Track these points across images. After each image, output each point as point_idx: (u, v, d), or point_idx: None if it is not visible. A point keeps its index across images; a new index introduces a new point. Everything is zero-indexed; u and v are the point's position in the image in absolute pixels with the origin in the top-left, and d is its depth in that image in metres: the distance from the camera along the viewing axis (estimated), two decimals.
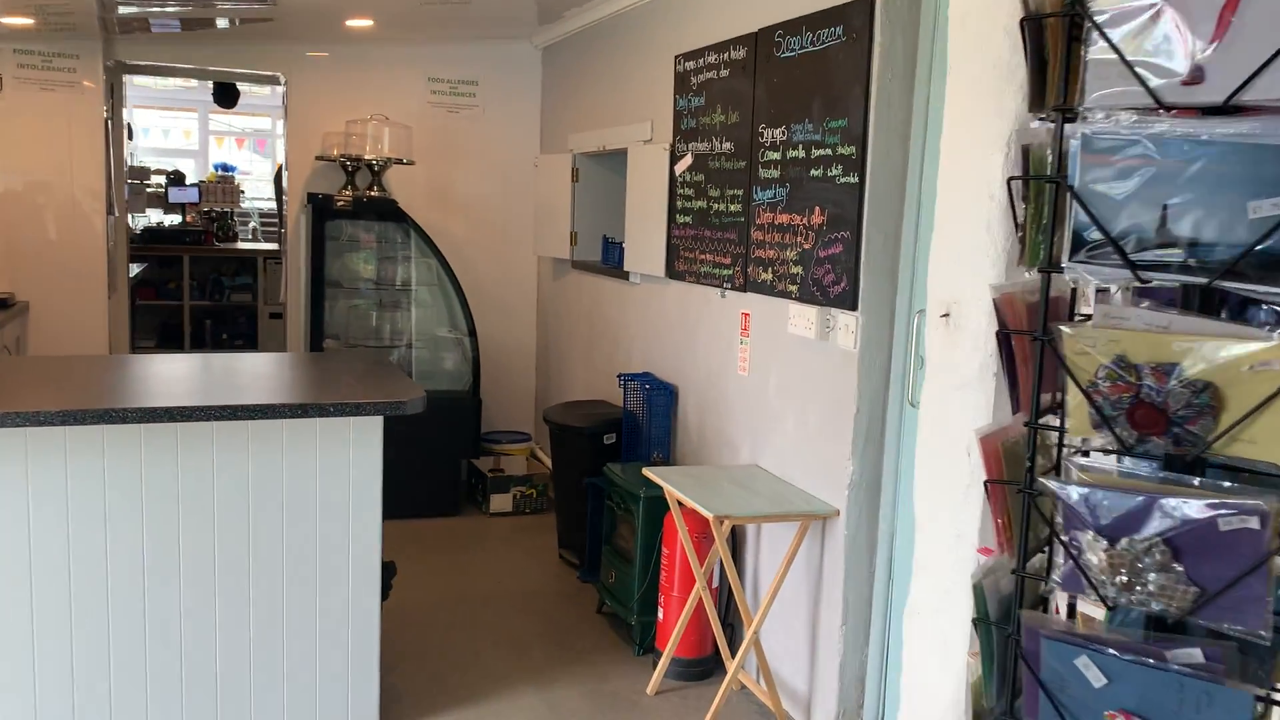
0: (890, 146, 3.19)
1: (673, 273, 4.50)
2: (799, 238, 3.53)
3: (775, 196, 3.68)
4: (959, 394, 1.89)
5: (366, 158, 5.61)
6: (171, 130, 12.92)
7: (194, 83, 11.89)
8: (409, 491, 5.56)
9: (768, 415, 3.78)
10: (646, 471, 3.70)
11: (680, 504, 3.52)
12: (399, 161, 5.69)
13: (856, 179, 3.22)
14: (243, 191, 11.30)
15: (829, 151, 3.36)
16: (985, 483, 1.62)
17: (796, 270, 3.54)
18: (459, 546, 5.27)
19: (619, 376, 4.76)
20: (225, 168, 11.61)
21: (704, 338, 4.29)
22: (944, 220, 1.89)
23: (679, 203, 4.42)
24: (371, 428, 3.26)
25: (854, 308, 3.25)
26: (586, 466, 4.80)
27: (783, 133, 3.63)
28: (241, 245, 10.11)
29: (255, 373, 3.62)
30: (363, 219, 5.73)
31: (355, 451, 3.27)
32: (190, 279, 9.45)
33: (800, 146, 3.52)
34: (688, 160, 4.34)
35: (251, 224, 11.22)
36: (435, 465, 5.65)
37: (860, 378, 3.26)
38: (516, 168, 6.37)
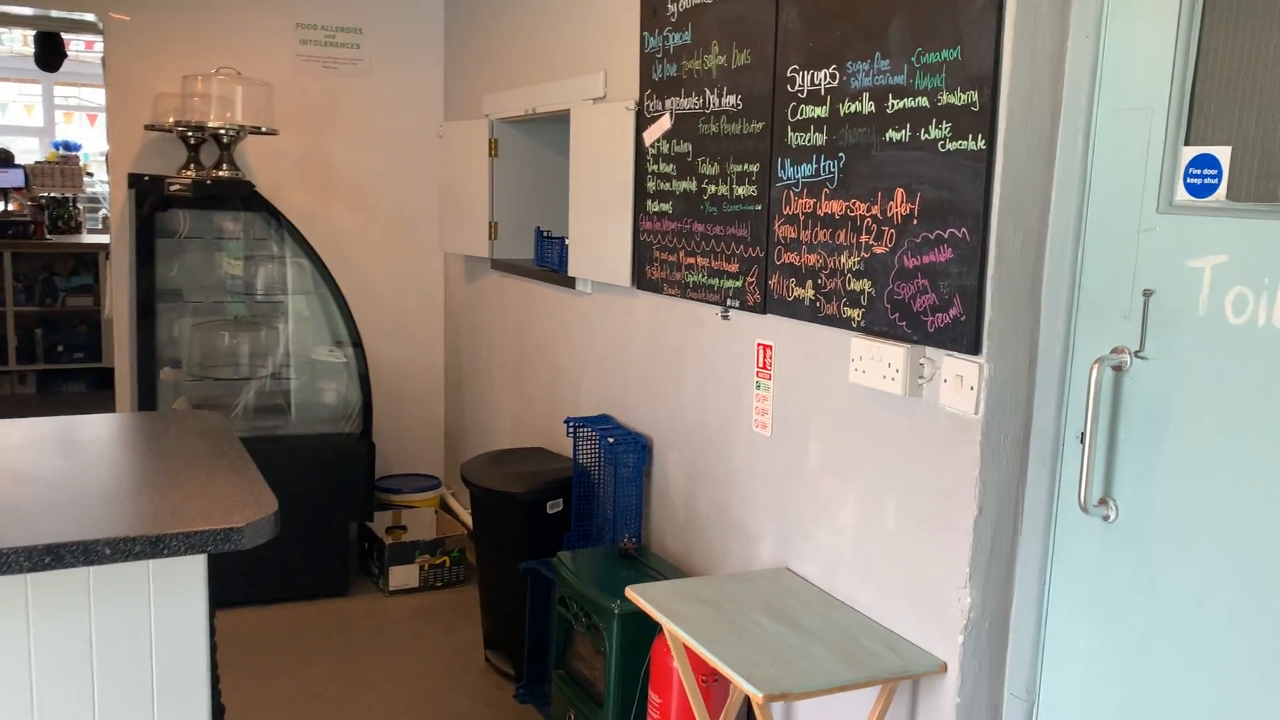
0: (1036, 92, 1.98)
1: (643, 281, 3.23)
2: (865, 236, 2.30)
3: (820, 173, 2.44)
4: None
5: (211, 126, 4.18)
6: (10, 105, 11.14)
7: (31, 46, 10.13)
8: (283, 568, 4.21)
9: (806, 498, 2.56)
10: (632, 594, 2.44)
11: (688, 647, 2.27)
12: (257, 131, 4.28)
13: (982, 144, 2.00)
14: (90, 174, 9.66)
15: (923, 102, 2.13)
16: None
17: (861, 286, 2.32)
18: (350, 647, 3.93)
19: (567, 421, 3.48)
20: (68, 146, 9.93)
21: (694, 375, 3.04)
22: None
23: (652, 184, 3.15)
24: (186, 573, 1.92)
25: (974, 350, 2.04)
26: (523, 543, 3.52)
27: (831, 76, 2.39)
28: (87, 239, 8.46)
29: (9, 467, 2.24)
30: (208, 207, 4.30)
31: (160, 611, 1.93)
32: (15, 279, 7.79)
33: (866, 96, 2.28)
34: (665, 123, 3.07)
35: (103, 212, 9.55)
36: (316, 531, 4.29)
37: (985, 459, 2.06)
38: (415, 139, 5.00)
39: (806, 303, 2.50)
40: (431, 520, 4.86)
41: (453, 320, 5.07)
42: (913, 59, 2.15)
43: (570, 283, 3.75)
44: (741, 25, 2.71)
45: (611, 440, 3.25)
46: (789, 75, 2.54)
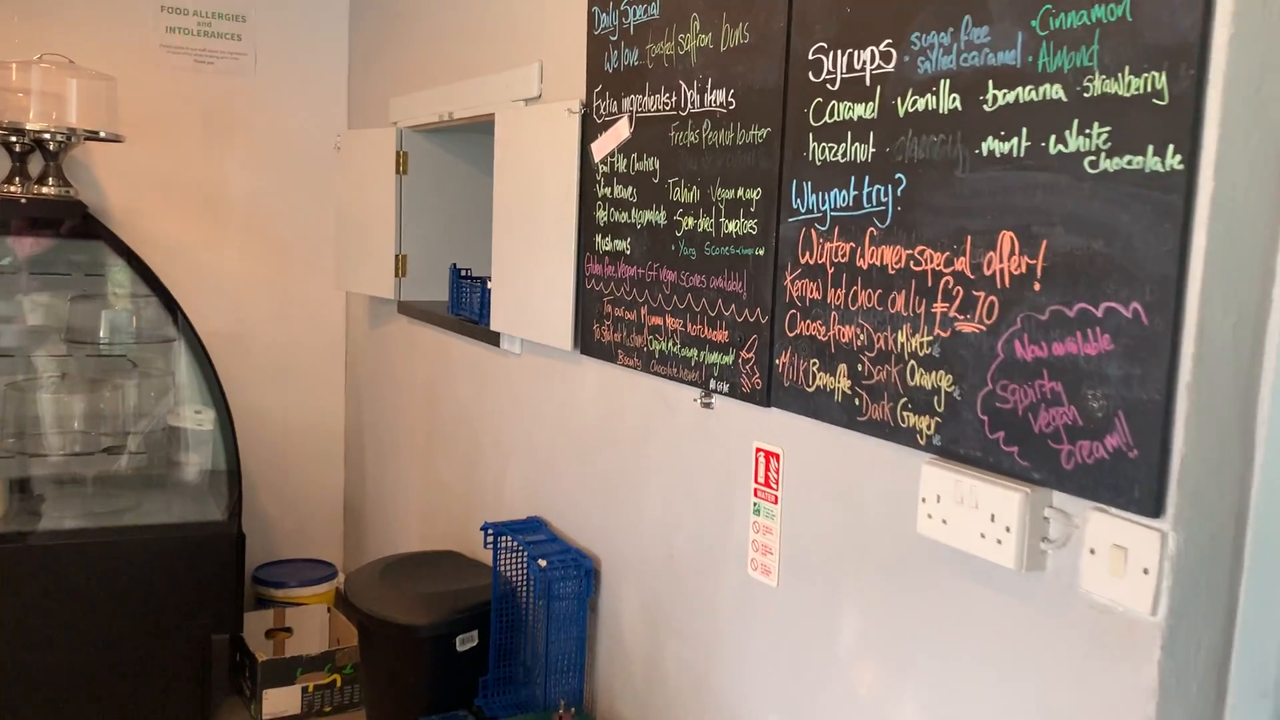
0: (1270, 74, 1.17)
1: (590, 345, 2.37)
2: (943, 304, 1.47)
3: (862, 203, 1.60)
4: None
5: (31, 128, 3.24)
6: None
7: None
8: (124, 694, 3.28)
9: (834, 689, 1.70)
10: None
11: None
12: (94, 136, 3.35)
13: (1173, 161, 1.17)
14: None
15: (1054, 92, 1.30)
16: None
17: (935, 381, 1.48)
18: None
19: (485, 529, 2.59)
20: None
21: (661, 481, 2.18)
22: None
23: (603, 213, 2.30)
24: None
25: (1153, 508, 1.20)
26: (425, 691, 2.63)
27: (882, 56, 1.56)
28: None
29: None
30: (24, 233, 3.35)
31: None
32: None
33: (945, 86, 1.45)
34: (622, 131, 2.22)
35: None
36: (169, 648, 3.34)
37: (1165, 688, 1.22)
38: (312, 151, 4.10)
39: (838, 397, 1.66)
40: (323, 621, 3.93)
41: (354, 373, 4.15)
42: (1034, 23, 1.33)
43: (494, 339, 2.87)
44: None
45: (544, 563, 2.36)
46: (811, 58, 1.70)
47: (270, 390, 4.13)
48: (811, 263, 1.71)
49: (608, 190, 2.28)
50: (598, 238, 2.33)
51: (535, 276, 2.55)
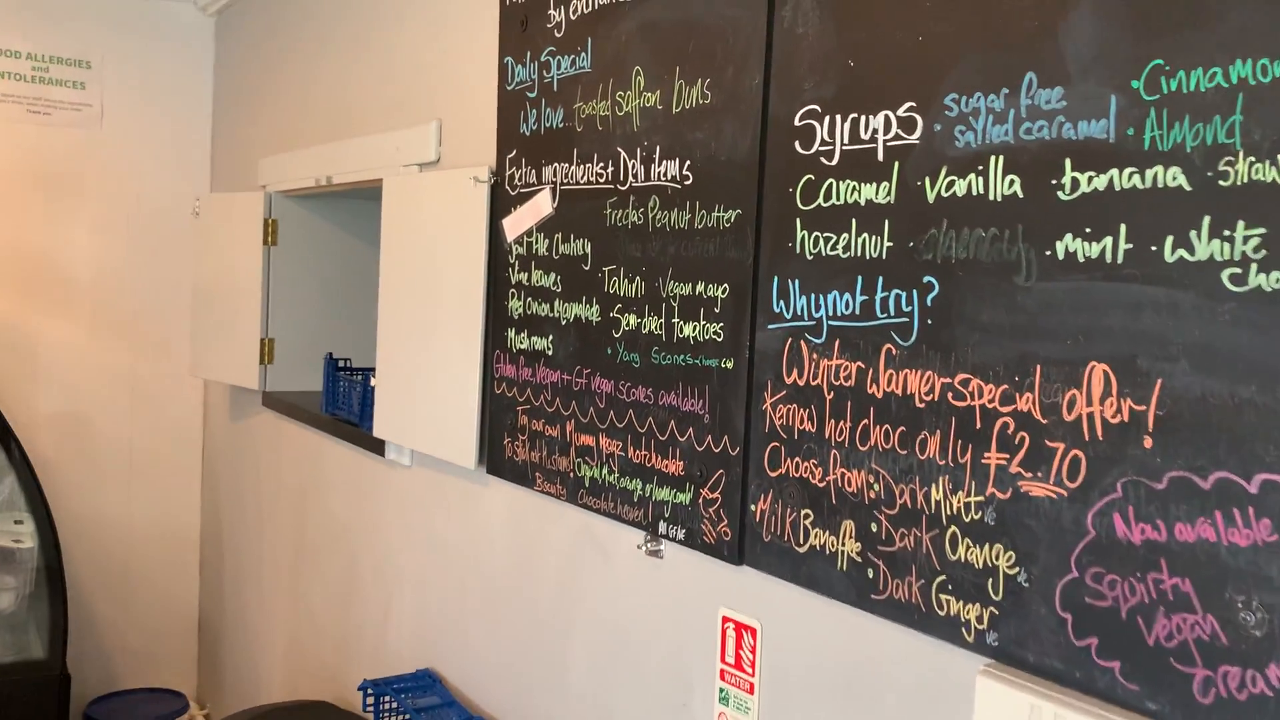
0: None
1: (499, 463, 1.93)
2: (999, 453, 1.09)
3: (874, 312, 1.23)
4: None
5: None
6: None
7: None
8: None
9: None
10: None
11: None
12: None
13: None
14: None
15: (1171, 176, 0.95)
16: None
17: (989, 558, 1.09)
18: None
19: (364, 688, 2.10)
20: None
21: (590, 643, 1.74)
22: None
23: (517, 304, 1.88)
24: None
25: None
26: None
27: (902, 123, 1.20)
28: None
29: None
30: None
31: None
32: None
33: (997, 164, 1.09)
34: (542, 206, 1.82)
35: None
36: None
37: None
38: (166, 216, 3.57)
39: (843, 564, 1.26)
40: None
41: (212, 472, 3.59)
42: (1137, 84, 0.98)
43: (378, 446, 2.40)
44: (693, 36, 1.50)
45: None
46: (799, 125, 1.33)
47: (114, 490, 3.54)
48: (801, 383, 1.32)
49: (524, 276, 1.87)
50: (510, 333, 1.91)
51: (430, 375, 2.10)
